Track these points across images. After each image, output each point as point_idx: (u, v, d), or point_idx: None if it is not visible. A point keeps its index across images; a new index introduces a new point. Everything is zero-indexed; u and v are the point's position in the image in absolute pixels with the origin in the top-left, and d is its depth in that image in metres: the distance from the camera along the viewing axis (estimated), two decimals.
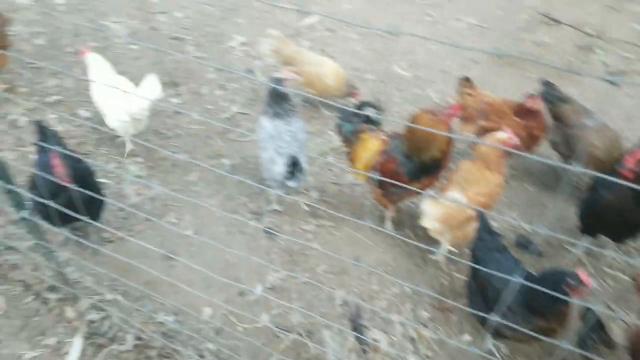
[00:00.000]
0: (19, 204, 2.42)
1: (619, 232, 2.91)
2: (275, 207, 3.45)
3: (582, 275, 2.12)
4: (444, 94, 4.56)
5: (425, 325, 2.83)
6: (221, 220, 3.35)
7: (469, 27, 5.60)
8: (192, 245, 3.18)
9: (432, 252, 3.17)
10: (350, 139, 3.17)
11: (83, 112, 4.13)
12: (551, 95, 3.55)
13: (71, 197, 2.46)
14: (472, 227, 2.74)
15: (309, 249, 3.19)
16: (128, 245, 3.12)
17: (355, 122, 3.15)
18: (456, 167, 3.02)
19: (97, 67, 3.69)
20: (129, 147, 3.81)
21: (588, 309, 2.44)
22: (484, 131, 3.44)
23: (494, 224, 3.37)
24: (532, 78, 4.82)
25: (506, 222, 3.43)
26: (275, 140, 3.15)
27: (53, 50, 4.81)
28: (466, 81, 3.67)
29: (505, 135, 2.79)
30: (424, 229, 2.99)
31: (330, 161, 3.80)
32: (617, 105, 4.58)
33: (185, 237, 3.22)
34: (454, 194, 2.82)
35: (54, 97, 4.29)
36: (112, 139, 3.91)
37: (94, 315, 2.79)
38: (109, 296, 2.85)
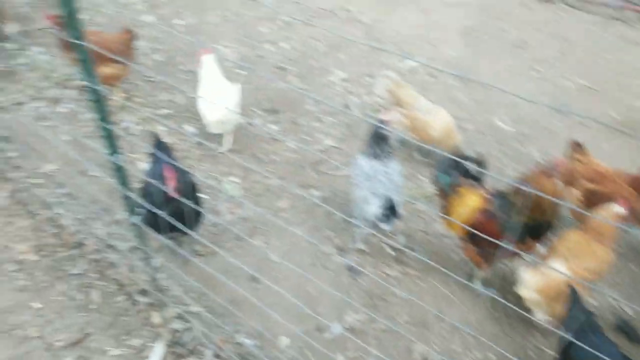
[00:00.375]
0: (132, 209, 2.59)
1: None
2: (361, 246, 3.43)
3: None
4: (547, 154, 4.38)
5: None
6: (306, 250, 3.39)
7: (578, 87, 5.38)
8: (276, 270, 3.23)
9: (522, 319, 3.01)
10: (447, 192, 3.11)
11: (189, 128, 4.39)
12: None
13: (178, 208, 2.62)
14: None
15: (391, 295, 3.13)
16: (216, 260, 3.23)
17: (454, 174, 3.09)
18: (561, 235, 2.87)
19: (209, 69, 4.06)
20: (226, 144, 4.20)
21: None
22: (591, 196, 3.27)
23: (591, 302, 3.16)
24: None
25: (606, 301, 3.18)
26: (370, 180, 3.16)
27: (169, 67, 5.19)
28: (577, 146, 3.50)
29: (620, 209, 2.62)
30: (518, 295, 2.84)
31: (421, 208, 3.75)
32: None
33: (270, 262, 3.29)
34: (557, 264, 2.67)
35: (165, 111, 4.60)
36: (213, 157, 4.12)
37: (178, 325, 2.89)
38: (194, 308, 2.94)
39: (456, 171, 3.11)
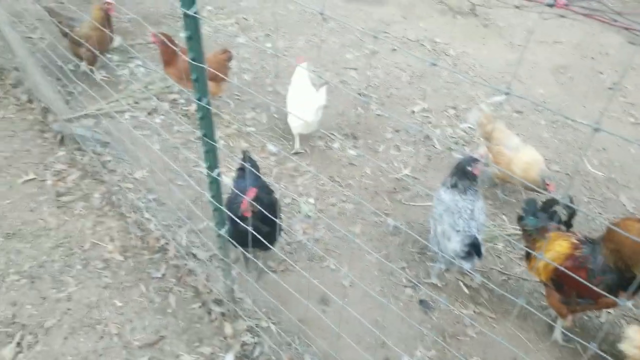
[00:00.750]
0: (220, 221, 2.69)
1: None
2: (435, 281, 3.35)
3: None
4: (639, 202, 4.11)
5: None
6: (377, 279, 3.36)
7: None
8: (346, 296, 3.22)
9: None
10: (532, 235, 2.99)
11: (271, 147, 4.54)
12: None
13: (260, 223, 2.70)
14: None
15: (463, 335, 3.02)
16: (289, 279, 3.28)
17: (542, 217, 2.96)
18: None
19: (301, 75, 4.45)
20: (297, 145, 4.51)
21: None
22: None
23: None
24: None
25: None
26: (452, 215, 3.10)
27: (256, 87, 5.41)
28: None
29: None
30: (604, 350, 2.64)
31: (500, 248, 3.61)
32: None
33: (340, 286, 3.29)
34: None
35: (249, 129, 4.79)
36: (291, 176, 4.22)
37: (248, 338, 2.94)
38: (265, 323, 2.99)
39: (544, 213, 2.98)
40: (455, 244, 2.98)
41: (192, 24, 1.98)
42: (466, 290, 3.31)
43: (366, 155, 4.52)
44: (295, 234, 3.68)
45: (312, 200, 4.00)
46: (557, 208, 3.00)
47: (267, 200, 3.05)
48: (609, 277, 2.60)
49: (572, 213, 2.96)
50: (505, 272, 3.45)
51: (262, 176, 3.28)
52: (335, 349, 2.82)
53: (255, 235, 2.51)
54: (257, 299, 3.09)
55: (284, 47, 6.21)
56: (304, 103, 4.32)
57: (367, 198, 4.09)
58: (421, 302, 3.21)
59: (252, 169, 3.16)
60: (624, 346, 2.63)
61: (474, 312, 3.17)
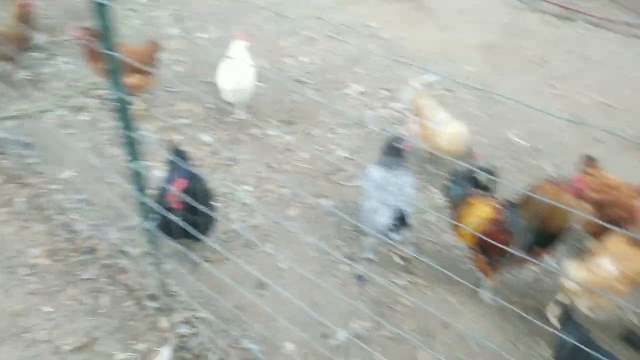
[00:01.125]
0: (146, 215, 2.64)
1: None
2: (369, 255, 3.43)
3: None
4: (560, 168, 4.33)
5: None
6: (315, 259, 3.40)
7: (595, 104, 5.32)
8: (284, 278, 3.25)
9: (528, 330, 2.96)
10: (457, 202, 3.10)
11: (205, 137, 4.48)
12: None
13: (190, 214, 2.67)
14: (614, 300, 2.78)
15: (398, 304, 3.11)
16: (225, 267, 3.27)
17: (466, 185, 3.08)
18: (611, 238, 2.91)
19: (238, 52, 4.46)
20: (239, 114, 4.64)
21: None
22: (600, 207, 3.24)
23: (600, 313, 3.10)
24: None
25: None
26: (381, 191, 3.17)
27: (189, 78, 5.32)
28: (590, 161, 3.46)
29: None
30: (525, 305, 2.81)
31: (431, 219, 3.73)
32: None
33: (278, 269, 3.31)
34: (606, 261, 2.78)
35: (183, 120, 4.71)
36: (227, 165, 4.19)
37: (185, 330, 2.91)
38: (201, 313, 2.96)
39: (467, 182, 3.10)
40: (383, 218, 3.06)
41: (102, 12, 1.92)
42: (400, 262, 3.40)
43: (303, 142, 4.54)
44: (232, 222, 3.67)
45: (249, 188, 3.99)
46: (479, 176, 3.13)
47: (199, 191, 3.02)
48: (528, 237, 2.75)
49: (494, 181, 3.09)
50: (436, 241, 3.57)
51: (193, 167, 3.23)
52: (272, 331, 2.84)
53: (188, 227, 2.49)
54: (193, 291, 3.05)
55: (218, 38, 6.12)
56: (236, 71, 4.42)
57: (304, 182, 4.12)
58: (357, 276, 3.28)
59: (182, 161, 3.12)
60: (563, 280, 2.85)
61: (408, 281, 3.26)
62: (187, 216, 2.61)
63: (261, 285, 3.19)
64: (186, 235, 2.62)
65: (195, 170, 3.14)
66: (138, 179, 2.49)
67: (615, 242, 2.87)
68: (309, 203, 3.85)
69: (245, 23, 6.45)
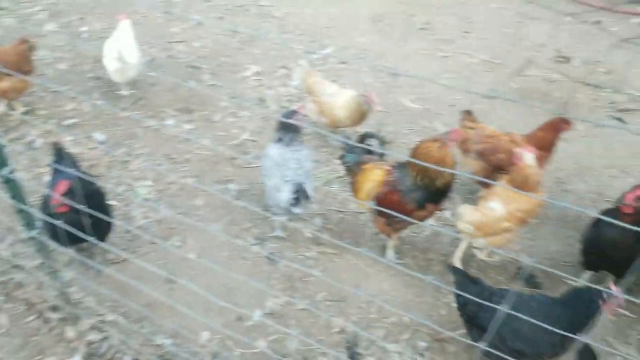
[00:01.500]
0: (29, 223, 2.49)
1: (620, 268, 2.87)
2: (279, 233, 3.48)
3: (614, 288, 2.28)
4: (451, 127, 4.60)
5: (422, 355, 2.79)
6: (224, 245, 3.39)
7: (480, 62, 5.67)
8: (194, 269, 3.21)
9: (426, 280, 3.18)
10: (353, 169, 3.21)
11: (98, 136, 4.27)
12: None
13: (75, 218, 2.54)
14: (508, 237, 3.06)
15: (310, 276, 3.19)
16: (132, 267, 3.16)
17: (358, 152, 3.20)
18: (498, 182, 3.18)
19: (123, 31, 4.47)
20: (124, 93, 4.70)
21: (585, 345, 2.40)
22: (483, 156, 3.51)
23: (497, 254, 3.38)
24: (540, 113, 4.86)
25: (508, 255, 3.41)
26: (280, 168, 3.21)
27: (73, 75, 5.00)
28: (468, 114, 3.72)
29: (531, 156, 2.99)
30: (427, 261, 3.00)
31: (335, 189, 3.84)
32: (621, 140, 4.56)
33: (187, 261, 3.26)
34: (494, 203, 3.03)
35: (71, 120, 4.44)
36: (123, 162, 4.02)
37: (93, 336, 2.81)
38: (110, 317, 2.88)
39: (360, 149, 3.21)
40: (284, 194, 3.10)
41: None
42: (309, 235, 3.48)
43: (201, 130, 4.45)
44: (135, 220, 3.55)
45: (149, 183, 3.86)
46: (371, 141, 3.25)
47: (88, 192, 2.87)
48: (416, 194, 2.91)
49: (383, 144, 3.23)
50: (342, 210, 3.69)
51: (77, 167, 3.07)
52: (186, 324, 2.81)
53: (77, 231, 2.38)
54: (100, 295, 2.94)
55: (101, 29, 5.77)
56: (119, 48, 4.39)
57: (207, 169, 4.06)
58: (267, 256, 3.32)
59: (64, 162, 2.95)
60: (458, 224, 3.08)
61: (318, 252, 3.36)
62: (74, 220, 2.48)
63: (170, 280, 3.13)
64: (78, 239, 2.51)
65: (81, 171, 2.98)
66: (12, 187, 2.34)
67: (502, 186, 3.12)
68: (214, 190, 3.81)
69: (129, 11, 6.10)
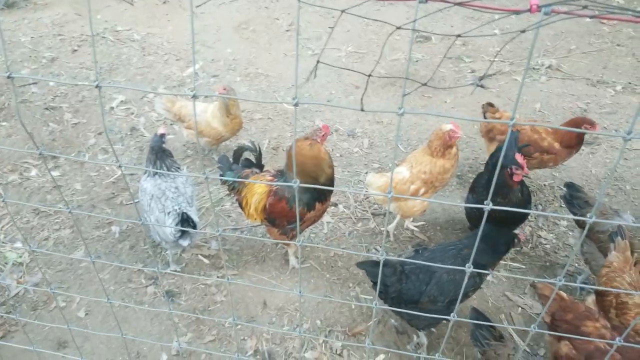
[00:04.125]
0: None
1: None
2: (173, 267, 3.28)
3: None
4: (332, 122, 4.67)
5: (340, 355, 2.78)
6: (116, 293, 3.13)
7: (348, 54, 5.83)
8: (86, 326, 2.93)
9: (341, 280, 3.19)
10: (235, 187, 3.11)
11: None
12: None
13: None
14: (419, 202, 3.25)
15: (214, 303, 3.05)
16: (18, 338, 2.83)
17: (236, 169, 3.10)
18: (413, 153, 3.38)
19: None
20: None
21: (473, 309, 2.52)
22: None
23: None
24: (413, 94, 5.10)
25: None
26: (159, 200, 3.02)
27: None
28: (490, 106, 3.86)
29: (449, 127, 3.14)
30: (328, 257, 2.98)
31: (227, 207, 3.72)
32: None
33: (78, 319, 2.97)
34: (400, 168, 3.25)
35: None
36: None
37: None
38: None
39: (238, 165, 3.12)
40: (168, 228, 2.92)
41: None
42: (206, 261, 3.33)
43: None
44: (8, 289, 3.17)
45: (18, 245, 3.47)
46: (246, 154, 3.17)
47: None
48: (305, 197, 2.88)
49: (259, 155, 3.16)
50: (237, 227, 3.58)
51: None
52: None
53: None
54: None
55: None
56: None
57: (84, 215, 3.73)
58: (166, 293, 3.12)
59: None
60: (368, 189, 3.26)
61: (218, 277, 3.22)
62: None
63: (62, 342, 2.84)
64: None
65: None
66: None
67: (414, 153, 3.37)
68: (96, 235, 3.51)
69: None
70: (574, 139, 3.49)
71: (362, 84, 5.20)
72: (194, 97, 1.14)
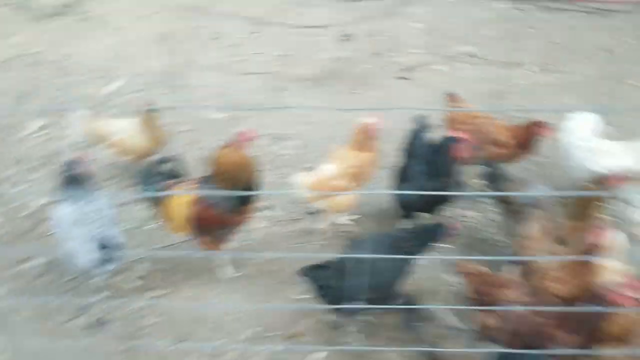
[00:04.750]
0: None
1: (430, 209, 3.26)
2: (103, 294, 3.11)
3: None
4: (263, 126, 4.61)
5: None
6: (36, 332, 2.93)
7: (273, 58, 5.79)
8: None
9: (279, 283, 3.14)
10: (159, 200, 3.00)
11: None
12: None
13: None
14: (348, 197, 3.28)
15: (148, 326, 2.93)
16: None
17: (158, 181, 3.00)
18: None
19: None
20: None
21: None
22: None
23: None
24: (342, 92, 5.14)
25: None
26: (78, 227, 2.85)
27: None
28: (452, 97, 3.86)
29: (371, 120, 3.23)
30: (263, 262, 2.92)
31: (155, 226, 3.58)
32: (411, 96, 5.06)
33: None
34: (327, 165, 3.29)
35: None
36: None
37: None
38: None
39: (157, 177, 3.02)
40: (89, 255, 2.77)
41: None
42: (137, 283, 3.19)
43: None
44: None
45: None
46: (165, 165, 3.08)
47: None
48: (230, 201, 2.83)
49: (180, 165, 3.09)
50: (168, 244, 3.45)
51: None
52: None
53: None
54: None
55: None
56: None
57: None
58: (97, 322, 2.96)
59: None
60: (297, 189, 3.22)
61: (150, 298, 3.09)
62: None
63: None
64: None
65: None
66: None
67: (339, 150, 3.43)
68: (14, 272, 3.29)
69: None
70: (528, 140, 3.57)
71: (290, 85, 5.18)
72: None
